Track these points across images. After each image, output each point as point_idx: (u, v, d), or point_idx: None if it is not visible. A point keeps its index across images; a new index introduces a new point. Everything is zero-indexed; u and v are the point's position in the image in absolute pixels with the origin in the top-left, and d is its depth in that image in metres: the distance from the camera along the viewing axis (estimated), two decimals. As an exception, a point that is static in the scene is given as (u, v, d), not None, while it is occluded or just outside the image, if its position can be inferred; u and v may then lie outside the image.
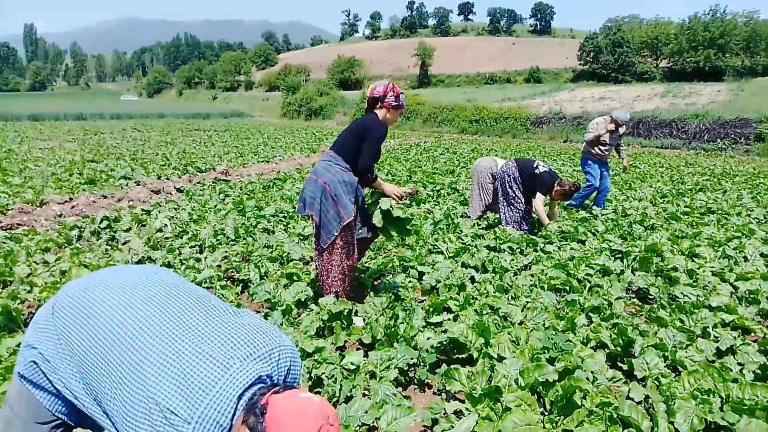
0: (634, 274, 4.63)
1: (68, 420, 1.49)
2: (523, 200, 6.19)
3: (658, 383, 2.72)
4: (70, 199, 8.00)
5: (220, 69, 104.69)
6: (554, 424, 2.42)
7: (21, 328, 3.27)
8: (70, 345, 1.36)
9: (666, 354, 2.97)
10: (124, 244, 5.61)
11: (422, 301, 4.17)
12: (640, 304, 4.11)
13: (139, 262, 5.00)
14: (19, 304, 3.60)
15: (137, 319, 1.33)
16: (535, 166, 6.17)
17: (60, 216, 6.93)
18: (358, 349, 3.32)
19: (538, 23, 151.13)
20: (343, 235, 3.70)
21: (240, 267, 4.66)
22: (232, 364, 1.24)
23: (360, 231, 3.85)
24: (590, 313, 3.76)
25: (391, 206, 3.80)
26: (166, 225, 6.22)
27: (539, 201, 6.23)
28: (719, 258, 5.12)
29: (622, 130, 7.57)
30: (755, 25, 57.85)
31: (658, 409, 2.45)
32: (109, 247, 5.46)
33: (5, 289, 4.03)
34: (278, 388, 1.23)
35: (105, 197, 8.33)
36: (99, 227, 6.09)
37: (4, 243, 5.25)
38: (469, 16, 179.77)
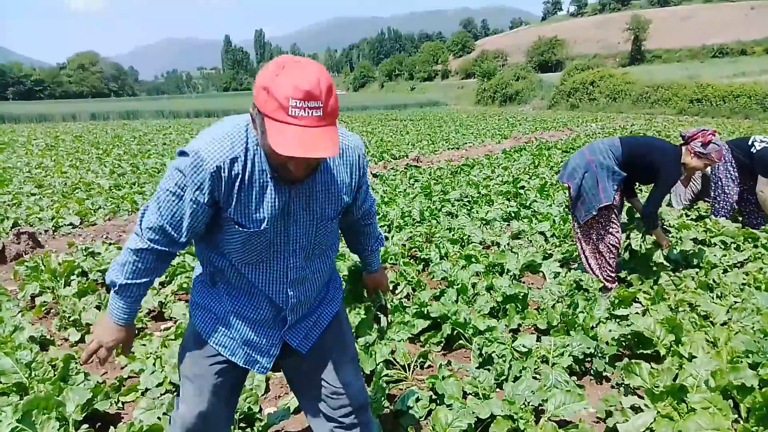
0: None
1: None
2: (735, 190, 5.31)
3: None
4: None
5: (418, 60, 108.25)
6: (750, 435, 2.13)
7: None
8: None
9: None
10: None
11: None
12: None
13: (337, 238, 5.54)
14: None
15: None
16: (750, 143, 5.11)
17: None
18: (532, 333, 3.28)
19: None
20: (602, 216, 3.76)
21: (422, 247, 4.90)
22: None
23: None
24: (819, 320, 3.17)
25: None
26: (361, 206, 6.76)
27: (763, 188, 5.01)
28: None
29: None
30: None
31: None
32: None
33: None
34: None
35: (313, 181, 9.32)
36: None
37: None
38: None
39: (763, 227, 5.13)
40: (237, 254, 1.48)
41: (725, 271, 4.17)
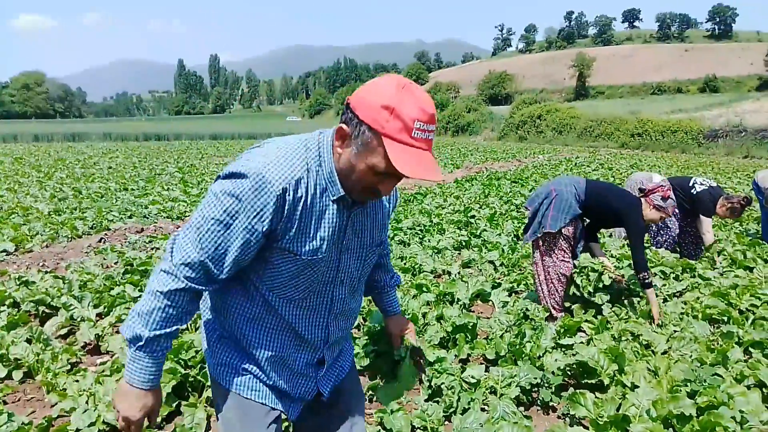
0: (815, 308, 3.98)
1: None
2: (677, 225, 5.59)
3: (826, 433, 2.32)
4: (236, 208, 8.98)
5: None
6: (689, 464, 2.19)
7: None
8: None
9: (843, 401, 2.52)
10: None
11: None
12: (818, 342, 3.52)
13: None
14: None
15: None
16: (691, 184, 5.41)
17: (226, 223, 7.82)
18: (481, 363, 3.29)
19: (717, 27, 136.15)
20: (555, 245, 3.84)
21: (374, 276, 4.86)
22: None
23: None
24: (750, 348, 3.32)
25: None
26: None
27: (708, 228, 5.42)
28: None
29: None
30: None
31: (824, 463, 2.10)
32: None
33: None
34: None
35: (265, 207, 9.19)
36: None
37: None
38: (634, 23, 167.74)
39: (700, 257, 5.43)
40: (281, 289, 1.36)
41: (665, 300, 4.34)
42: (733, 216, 5.35)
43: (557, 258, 3.86)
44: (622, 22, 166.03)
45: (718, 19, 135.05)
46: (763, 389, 2.79)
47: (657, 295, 4.31)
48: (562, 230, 3.79)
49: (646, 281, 3.80)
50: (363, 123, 1.20)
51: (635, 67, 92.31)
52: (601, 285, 4.06)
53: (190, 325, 3.74)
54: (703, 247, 5.62)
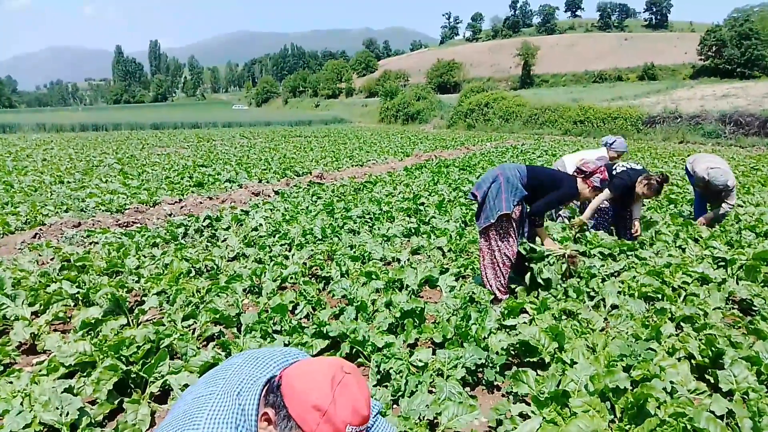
0: (738, 284, 4.24)
1: None
2: (610, 206, 5.83)
3: (745, 397, 2.49)
4: (180, 200, 8.74)
5: (322, 77, 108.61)
6: (623, 434, 2.30)
7: (125, 313, 3.65)
8: None
9: (760, 368, 2.70)
10: (222, 241, 6.04)
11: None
12: (741, 315, 3.76)
13: (234, 258, 5.37)
14: (126, 292, 4.01)
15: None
16: (614, 166, 5.67)
17: (170, 215, 7.59)
18: (428, 347, 3.34)
19: (654, 17, 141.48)
20: (501, 227, 3.98)
21: (323, 265, 4.86)
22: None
23: (520, 240, 4.18)
24: (681, 323, 3.51)
25: (541, 270, 4.12)
26: (261, 224, 6.62)
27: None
28: None
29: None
30: None
31: (743, 425, 2.25)
32: (209, 244, 5.91)
33: (116, 277, 4.51)
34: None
35: (210, 198, 8.99)
36: (202, 225, 6.61)
37: (119, 238, 5.86)
38: (576, 13, 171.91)
39: (634, 237, 5.69)
40: None
41: (603, 280, 4.51)
42: (653, 194, 5.48)
43: (505, 241, 3.99)
44: (565, 11, 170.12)
45: (654, 9, 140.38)
46: (692, 361, 2.96)
47: (595, 275, 4.49)
48: (512, 213, 3.92)
49: (537, 223, 4.18)
50: (292, 418, 1.16)
51: (578, 56, 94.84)
52: (554, 269, 4.22)
53: (132, 319, 3.63)
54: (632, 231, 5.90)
